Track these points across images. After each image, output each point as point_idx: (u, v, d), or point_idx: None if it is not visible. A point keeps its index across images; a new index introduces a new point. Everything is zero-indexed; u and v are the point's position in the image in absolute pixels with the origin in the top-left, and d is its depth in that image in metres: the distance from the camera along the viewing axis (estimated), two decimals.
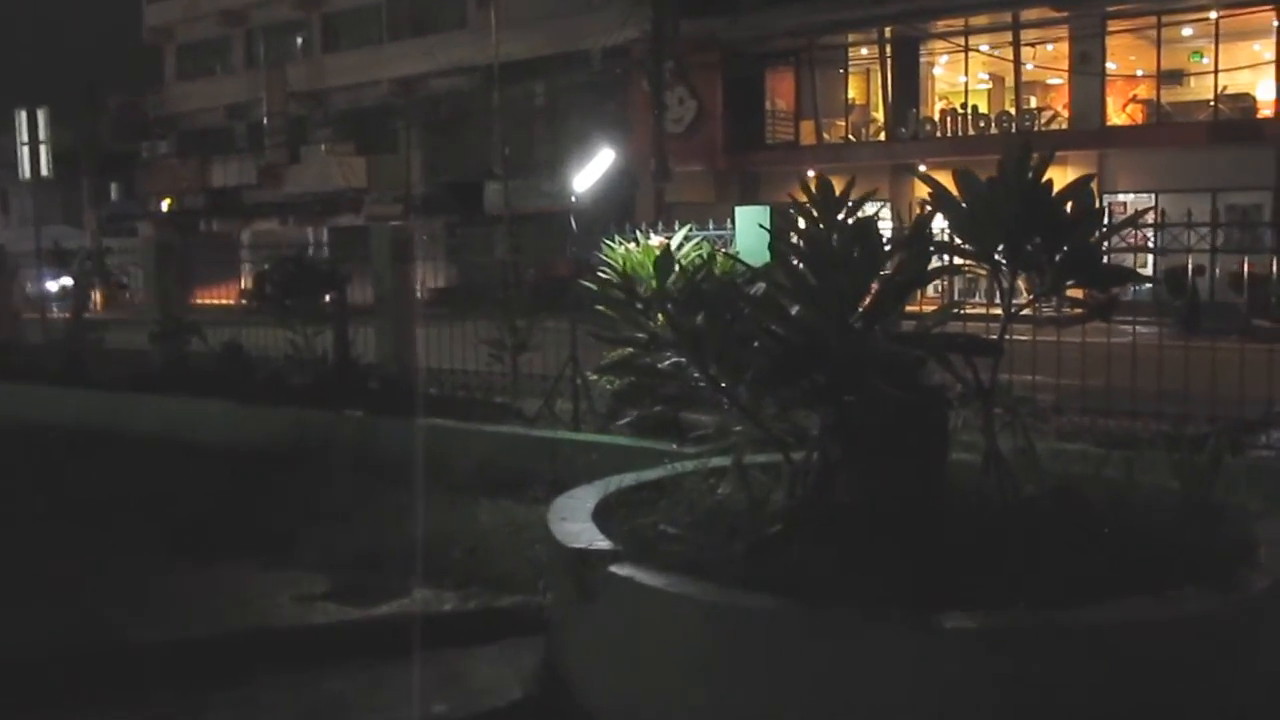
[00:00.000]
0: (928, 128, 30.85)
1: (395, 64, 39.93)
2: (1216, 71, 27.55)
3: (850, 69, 33.35)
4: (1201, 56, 28.56)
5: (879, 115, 32.59)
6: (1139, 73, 29.26)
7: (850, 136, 32.87)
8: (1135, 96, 28.77)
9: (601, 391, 7.87)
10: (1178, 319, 18.02)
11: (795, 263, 4.45)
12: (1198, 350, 7.18)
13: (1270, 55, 27.13)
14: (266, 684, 4.55)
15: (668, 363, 4.95)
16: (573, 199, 9.43)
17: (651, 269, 5.49)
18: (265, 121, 42.76)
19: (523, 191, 32.29)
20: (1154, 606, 3.63)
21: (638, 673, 4.01)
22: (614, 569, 4.06)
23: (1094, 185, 5.30)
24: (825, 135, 32.87)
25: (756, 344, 4.45)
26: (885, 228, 6.30)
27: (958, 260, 4.90)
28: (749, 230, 7.57)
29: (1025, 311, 4.85)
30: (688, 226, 7.48)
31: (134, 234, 38.67)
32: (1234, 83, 27.77)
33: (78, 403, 10.78)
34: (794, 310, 4.45)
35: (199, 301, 16.08)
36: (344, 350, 9.34)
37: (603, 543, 4.31)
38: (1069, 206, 4.49)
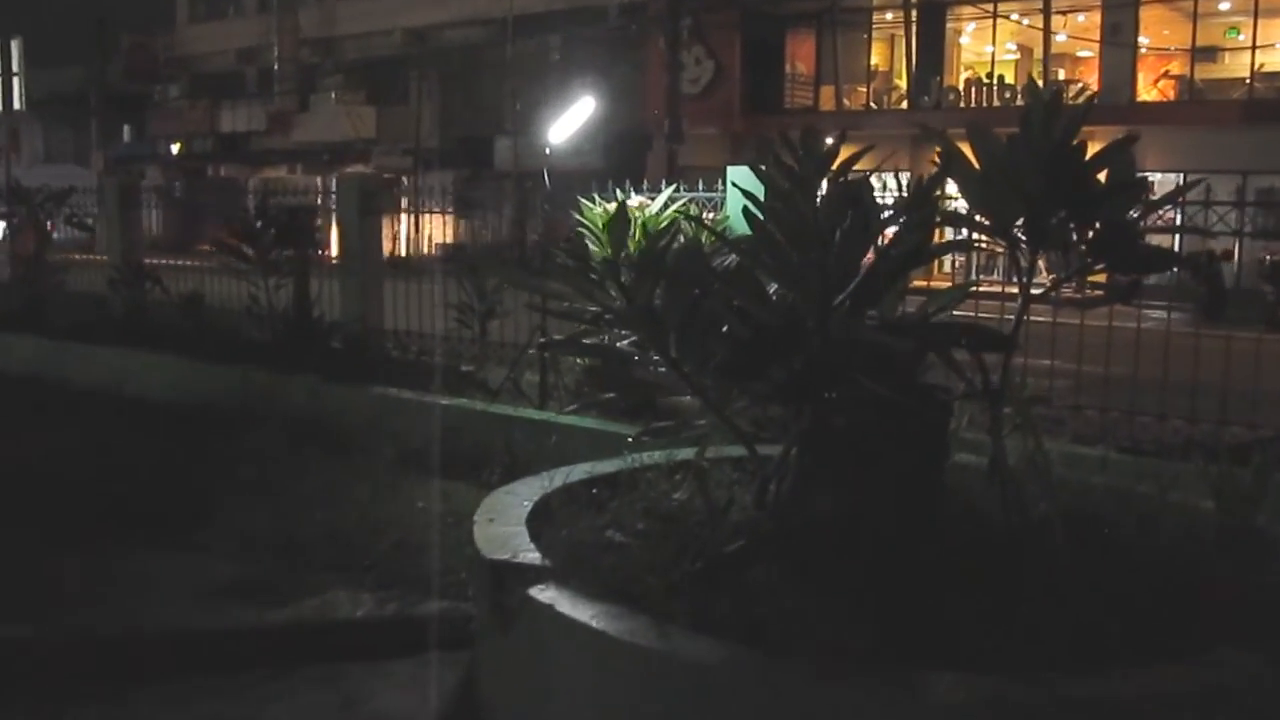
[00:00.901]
0: (951, 97, 29.87)
1: (408, 13, 38.97)
2: (1254, 48, 26.54)
3: (874, 34, 32.34)
4: (1238, 33, 27.54)
5: (901, 83, 31.61)
6: (1172, 48, 28.24)
7: (872, 104, 31.92)
8: (1168, 72, 27.76)
9: (571, 366, 7.17)
10: (1198, 305, 17.18)
11: (772, 231, 3.73)
12: (1238, 342, 6.32)
13: None
14: (133, 701, 3.88)
15: (625, 343, 4.25)
16: (547, 151, 8.59)
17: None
18: (275, 68, 41.89)
19: (534, 148, 31.45)
20: (1181, 675, 2.92)
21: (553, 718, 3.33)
22: (534, 591, 3.37)
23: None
24: (845, 101, 31.89)
25: (725, 326, 3.74)
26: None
27: (969, 234, 4.20)
28: (740, 193, 6.82)
29: (1041, 292, 4.12)
30: (673, 186, 6.74)
31: (142, 176, 38.02)
32: (1271, 61, 26.76)
33: (27, 350, 10.13)
34: (771, 289, 3.74)
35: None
36: (304, 307, 8.65)
37: (530, 554, 3.62)
38: (1103, 176, 3.76)
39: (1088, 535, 3.63)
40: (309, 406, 7.44)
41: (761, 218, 3.78)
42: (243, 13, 46.52)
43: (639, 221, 6.37)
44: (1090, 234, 3.66)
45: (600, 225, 6.23)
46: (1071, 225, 3.71)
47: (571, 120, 12.05)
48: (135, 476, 6.16)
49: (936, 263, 12.43)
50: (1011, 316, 3.85)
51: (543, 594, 3.33)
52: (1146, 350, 6.06)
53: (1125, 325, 6.09)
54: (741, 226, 5.74)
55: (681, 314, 3.80)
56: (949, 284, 4.36)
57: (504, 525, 3.91)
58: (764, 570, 3.40)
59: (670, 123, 28.90)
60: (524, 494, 4.30)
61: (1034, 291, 3.84)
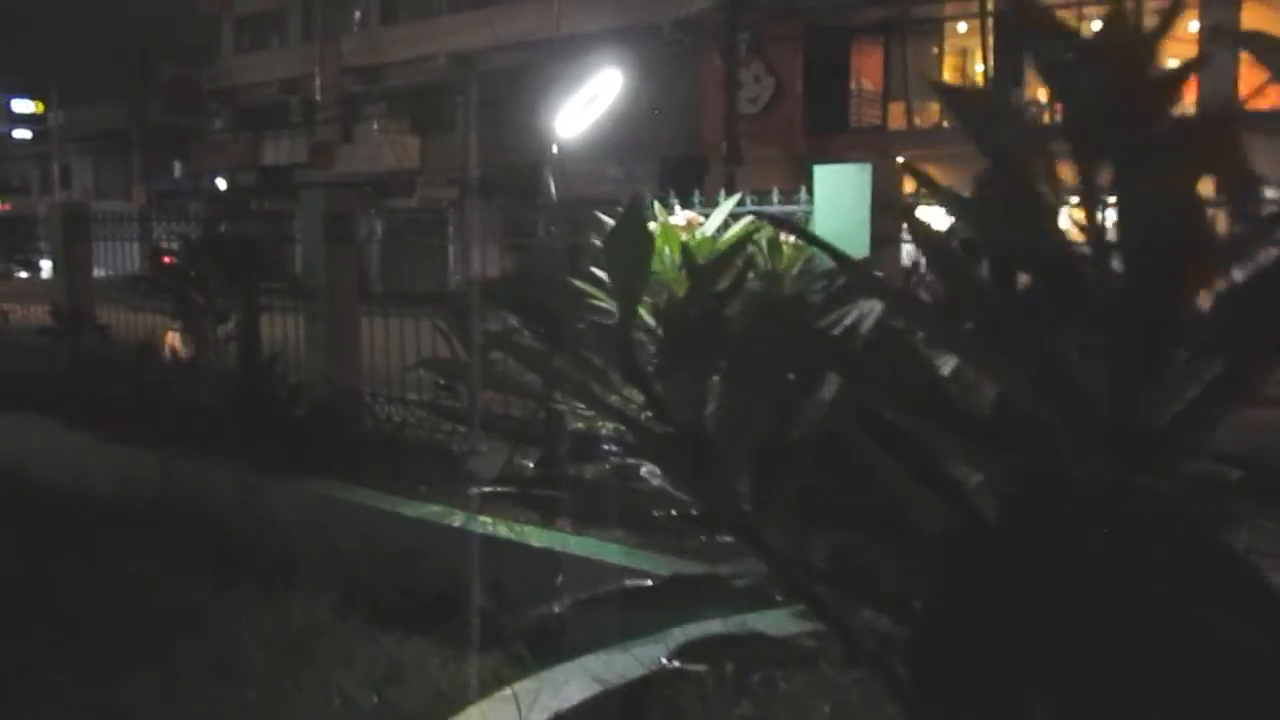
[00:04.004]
0: (1035, 110, 27.56)
1: (453, 37, 37.44)
2: None
3: (945, 47, 30.18)
4: None
5: None
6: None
7: (944, 122, 29.70)
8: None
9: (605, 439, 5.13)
10: None
11: (976, 290, 1.64)
12: None
13: None
14: None
15: (643, 469, 2.21)
16: (553, 148, 6.56)
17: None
18: (318, 97, 40.52)
19: (588, 175, 29.58)
20: None
21: None
22: None
23: None
24: (916, 120, 29.72)
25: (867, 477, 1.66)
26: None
27: None
28: (835, 201, 4.75)
29: None
30: (737, 196, 4.69)
31: (184, 212, 36.68)
32: None
33: None
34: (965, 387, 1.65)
35: None
36: (254, 366, 6.66)
37: None
38: None
39: None
40: (241, 507, 5.44)
41: (944, 256, 1.67)
42: (287, 42, 45.31)
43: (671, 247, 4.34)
44: None
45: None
46: None
47: (588, 104, 9.34)
48: None
49: None
50: None
51: None
52: None
53: None
54: (838, 243, 3.71)
55: (765, 449, 1.73)
56: None
57: None
58: None
59: (729, 144, 26.97)
60: None
61: None
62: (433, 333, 5.70)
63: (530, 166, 34.00)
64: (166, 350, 7.01)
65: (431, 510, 4.79)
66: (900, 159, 27.03)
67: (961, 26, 29.67)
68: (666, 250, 4.37)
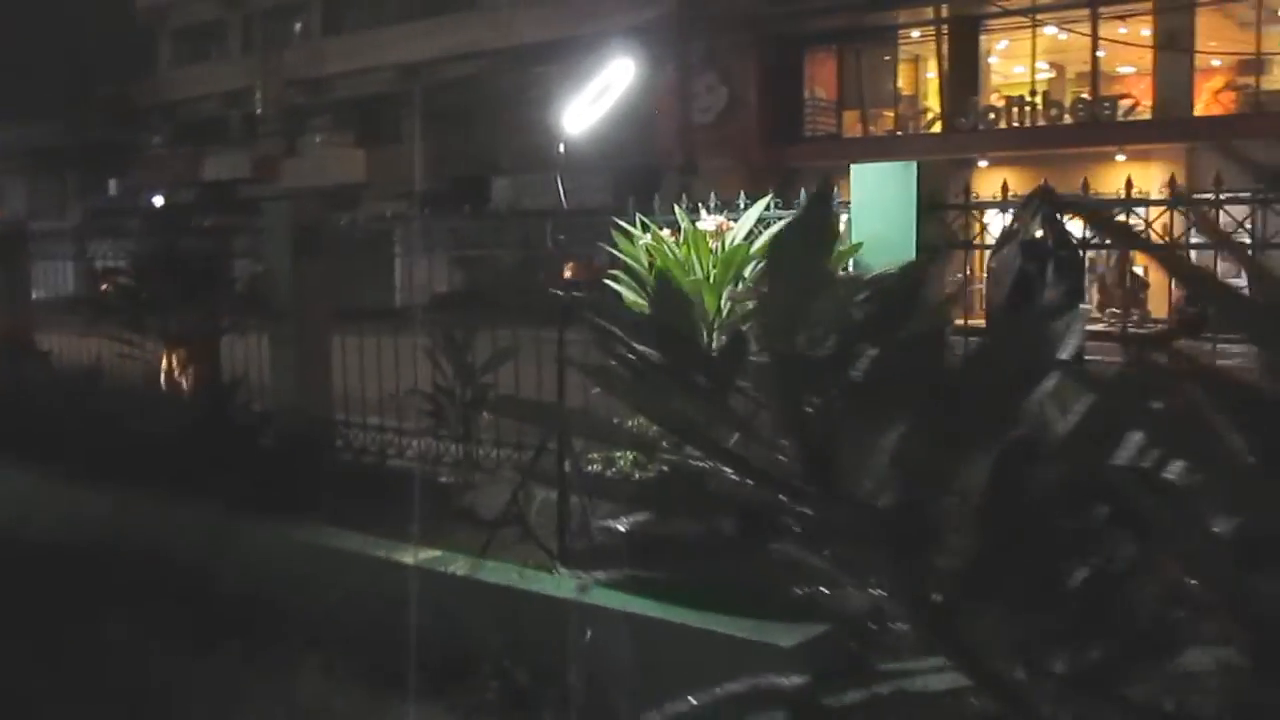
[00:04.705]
0: (991, 116, 27.41)
1: (398, 48, 36.70)
2: None
3: (899, 55, 29.97)
4: None
5: (934, 104, 29.17)
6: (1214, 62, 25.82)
7: (898, 131, 29.46)
8: (1232, 83, 25.33)
9: (614, 473, 4.61)
10: None
11: None
12: None
13: None
14: None
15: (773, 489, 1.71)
16: (560, 148, 6.11)
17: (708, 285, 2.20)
18: (259, 111, 39.58)
19: (534, 188, 28.99)
20: None
21: None
22: None
23: None
24: (871, 128, 29.46)
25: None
26: None
27: None
28: (874, 203, 4.27)
29: None
30: (767, 198, 4.22)
31: (122, 230, 35.54)
32: None
33: None
34: None
35: None
36: (214, 390, 6.08)
37: None
38: None
39: None
40: (207, 555, 4.85)
41: None
42: (226, 54, 44.31)
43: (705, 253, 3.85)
44: None
45: (657, 261, 3.68)
46: None
47: (598, 97, 8.67)
48: None
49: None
50: None
51: None
52: None
53: None
54: (877, 252, 3.26)
55: (988, 526, 1.25)
56: None
57: None
58: None
59: (683, 155, 26.55)
60: None
61: None
62: (407, 353, 5.17)
63: (479, 180, 33.35)
64: (163, 376, 6.41)
65: (433, 556, 4.24)
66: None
67: (915, 33, 29.46)
68: (695, 259, 3.87)
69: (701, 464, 1.69)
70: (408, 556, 4.17)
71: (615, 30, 30.34)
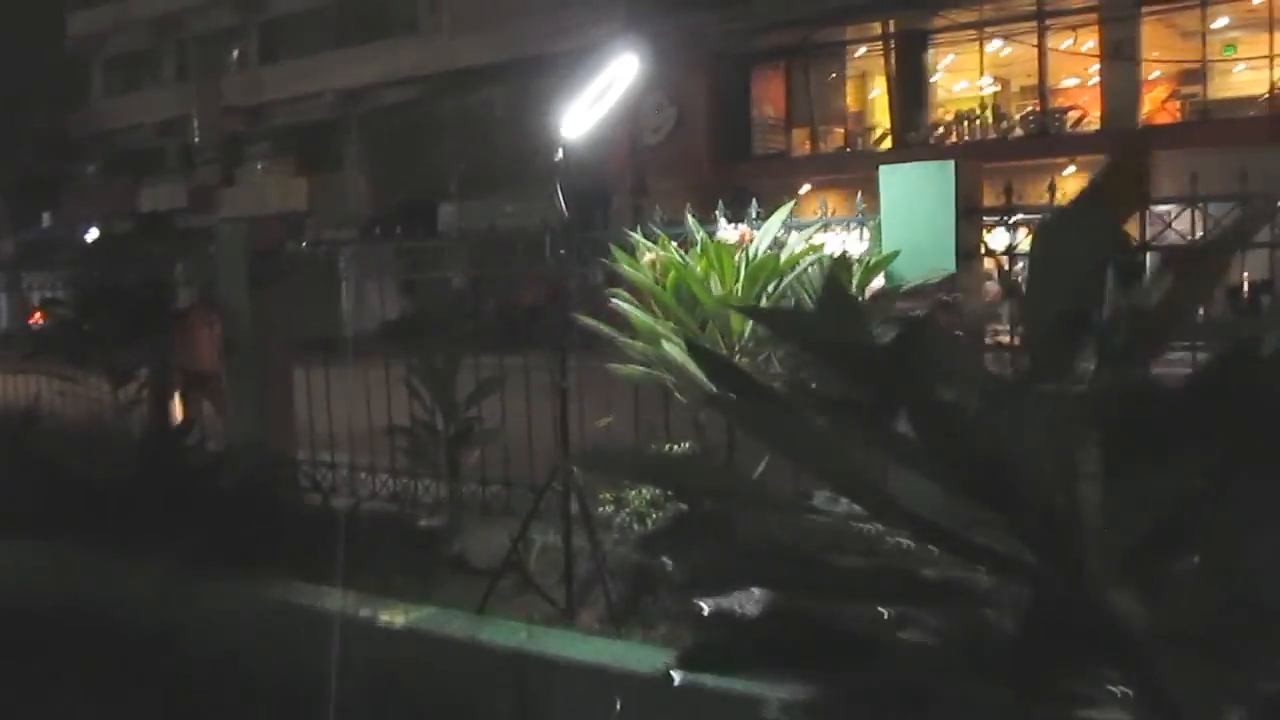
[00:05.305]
0: (940, 131, 27.34)
1: (338, 73, 36.08)
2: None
3: (847, 72, 29.88)
4: (1234, 49, 25.35)
5: (879, 121, 29.09)
6: (1168, 65, 25.94)
7: (848, 148, 29.32)
8: (1177, 92, 25.43)
9: (632, 516, 4.13)
10: None
11: None
12: None
13: None
14: None
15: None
16: (558, 155, 5.66)
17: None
18: (195, 139, 38.72)
19: (482, 212, 28.50)
20: None
21: None
22: None
23: None
24: (820, 145, 29.31)
25: None
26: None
27: None
28: (907, 207, 3.88)
29: None
30: (787, 208, 3.82)
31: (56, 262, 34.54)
32: None
33: None
34: None
35: None
36: (164, 430, 5.56)
37: None
38: None
39: None
40: (158, 615, 4.33)
41: None
42: (160, 82, 43.39)
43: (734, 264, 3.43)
44: None
45: (674, 278, 3.25)
46: None
47: (599, 98, 7.99)
48: None
49: None
50: None
51: None
52: None
53: None
54: (911, 261, 2.89)
55: None
56: None
57: None
58: None
59: (633, 175, 26.21)
60: None
61: None
62: (378, 384, 4.70)
63: (423, 204, 32.73)
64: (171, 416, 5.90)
65: (425, 615, 3.75)
66: (807, 187, 26.54)
67: (862, 49, 29.37)
68: (716, 274, 3.45)
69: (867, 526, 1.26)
70: (397, 616, 3.69)
71: (559, 52, 30.05)
